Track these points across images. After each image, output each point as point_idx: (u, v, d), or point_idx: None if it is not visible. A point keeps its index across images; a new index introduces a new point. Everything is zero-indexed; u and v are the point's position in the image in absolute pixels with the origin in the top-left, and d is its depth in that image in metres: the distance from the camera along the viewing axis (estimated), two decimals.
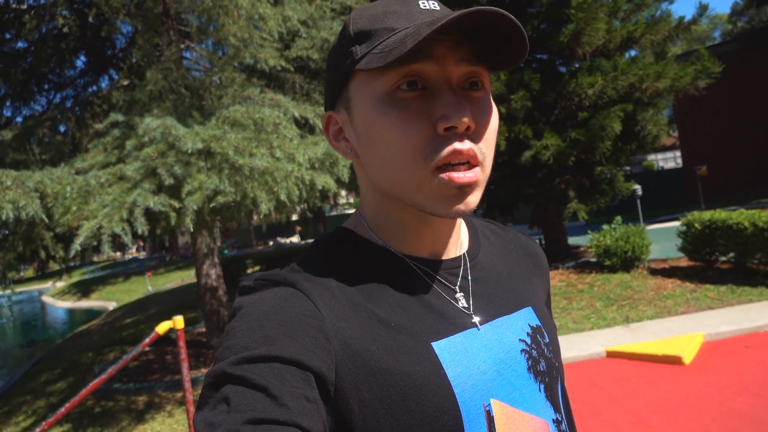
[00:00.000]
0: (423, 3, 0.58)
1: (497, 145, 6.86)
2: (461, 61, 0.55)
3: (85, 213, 3.56)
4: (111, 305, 16.46)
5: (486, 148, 0.58)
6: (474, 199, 0.58)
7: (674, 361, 4.16)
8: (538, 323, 0.67)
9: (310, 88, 6.56)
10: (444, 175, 0.55)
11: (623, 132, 7.50)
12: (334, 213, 33.36)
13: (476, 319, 0.62)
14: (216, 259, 7.19)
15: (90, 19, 5.27)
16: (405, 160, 0.56)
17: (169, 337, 6.89)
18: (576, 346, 4.69)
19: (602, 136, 7.06)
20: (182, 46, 6.15)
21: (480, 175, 0.57)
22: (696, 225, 6.55)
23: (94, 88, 8.33)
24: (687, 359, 4.14)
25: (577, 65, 8.01)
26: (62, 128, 7.09)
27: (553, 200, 7.81)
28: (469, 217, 0.75)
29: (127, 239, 3.36)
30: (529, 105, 7.07)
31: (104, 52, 7.98)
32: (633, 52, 8.50)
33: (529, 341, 0.64)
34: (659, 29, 7.53)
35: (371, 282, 0.60)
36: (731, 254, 6.32)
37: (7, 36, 7.00)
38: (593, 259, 8.00)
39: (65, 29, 5.41)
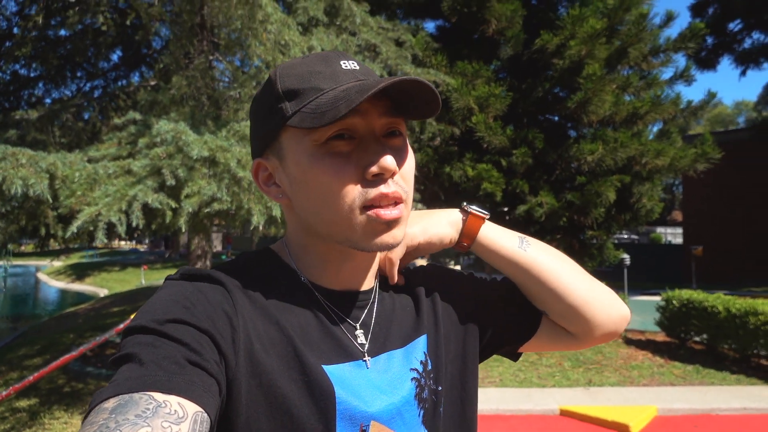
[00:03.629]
0: (344, 63, 0.64)
1: (494, 195, 7.16)
2: (383, 114, 0.63)
3: (88, 199, 3.81)
4: (102, 292, 16.61)
5: (407, 186, 0.65)
6: (400, 232, 0.64)
7: (622, 429, 4.27)
8: (425, 351, 0.72)
9: None
10: (372, 212, 0.61)
11: (618, 202, 7.70)
12: None
13: (368, 358, 0.66)
14: (208, 262, 7.40)
15: (128, 22, 5.64)
16: (338, 202, 0.61)
17: None
18: (533, 400, 4.82)
19: (596, 202, 7.27)
20: (211, 57, 6.52)
21: (404, 211, 0.64)
22: (674, 302, 6.68)
23: (125, 81, 8.74)
24: (634, 429, 4.25)
25: (585, 131, 8.29)
26: (86, 116, 7.45)
27: None
28: None
29: (121, 229, 3.59)
30: (530, 162, 7.33)
31: (140, 50, 8.41)
32: (655, 127, 8.77)
33: (420, 369, 0.70)
34: (664, 109, 7.81)
35: (281, 300, 0.65)
36: (704, 336, 6.44)
37: (52, 22, 7.44)
38: None
39: (104, 27, 5.78)
